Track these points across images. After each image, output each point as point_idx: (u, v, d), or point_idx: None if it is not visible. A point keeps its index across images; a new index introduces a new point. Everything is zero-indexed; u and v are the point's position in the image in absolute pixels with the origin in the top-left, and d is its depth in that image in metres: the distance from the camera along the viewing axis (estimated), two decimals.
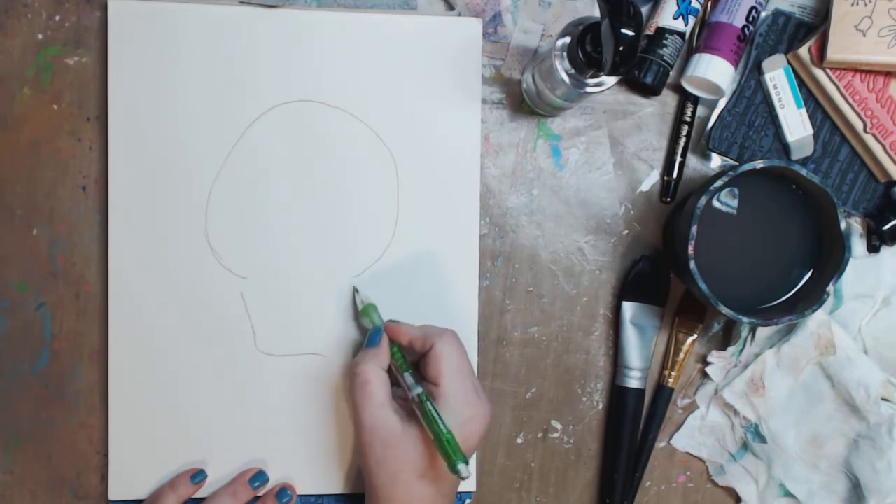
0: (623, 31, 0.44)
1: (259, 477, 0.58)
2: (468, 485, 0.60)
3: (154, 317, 0.58)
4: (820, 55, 0.58)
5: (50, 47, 0.58)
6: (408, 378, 0.53)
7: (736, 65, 0.59)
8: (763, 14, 0.60)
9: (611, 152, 0.62)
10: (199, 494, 0.58)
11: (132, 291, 0.58)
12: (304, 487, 0.59)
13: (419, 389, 0.52)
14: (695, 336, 0.62)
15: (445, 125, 0.60)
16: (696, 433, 0.62)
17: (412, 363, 0.55)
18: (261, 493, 0.58)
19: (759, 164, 0.54)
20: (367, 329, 0.57)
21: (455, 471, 0.48)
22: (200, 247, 0.58)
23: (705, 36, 0.60)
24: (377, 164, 0.59)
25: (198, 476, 0.57)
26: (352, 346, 0.59)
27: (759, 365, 0.60)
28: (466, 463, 0.49)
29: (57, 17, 0.58)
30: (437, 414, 0.50)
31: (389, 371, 0.55)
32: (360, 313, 0.58)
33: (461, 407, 0.52)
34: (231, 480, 0.58)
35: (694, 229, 0.53)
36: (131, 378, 0.58)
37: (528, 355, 0.62)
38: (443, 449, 0.49)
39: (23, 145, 0.58)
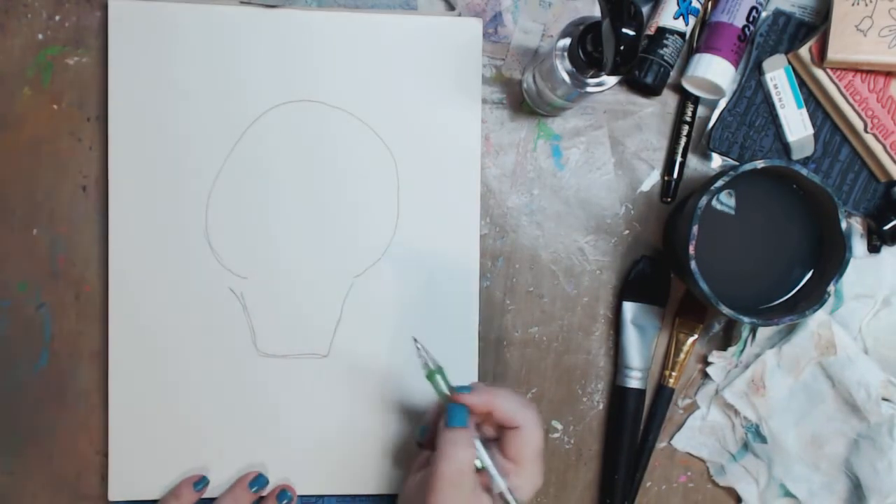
0: (624, 30, 0.44)
1: (258, 480, 0.58)
2: None
3: (154, 317, 0.58)
4: (820, 55, 0.58)
5: (50, 47, 0.58)
6: (492, 469, 0.49)
7: (736, 65, 0.59)
8: (763, 14, 0.60)
9: (611, 152, 0.62)
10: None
11: (132, 291, 0.58)
12: (304, 487, 0.59)
13: (504, 485, 0.49)
14: (695, 336, 0.62)
15: (446, 125, 0.59)
16: (696, 433, 0.62)
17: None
18: (263, 495, 0.58)
19: (759, 163, 0.54)
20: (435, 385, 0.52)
21: None
22: (200, 247, 0.58)
23: (706, 36, 0.60)
24: (377, 164, 0.59)
25: (200, 483, 0.57)
26: (352, 347, 0.59)
27: (759, 365, 0.60)
28: None
29: (57, 17, 0.58)
30: None
31: None
32: (427, 377, 0.51)
33: (530, 487, 0.49)
34: (231, 486, 0.58)
35: (695, 229, 0.53)
36: (131, 378, 0.58)
37: (528, 355, 0.62)
38: None
39: (23, 145, 0.58)
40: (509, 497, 0.48)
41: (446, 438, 0.48)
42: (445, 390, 0.50)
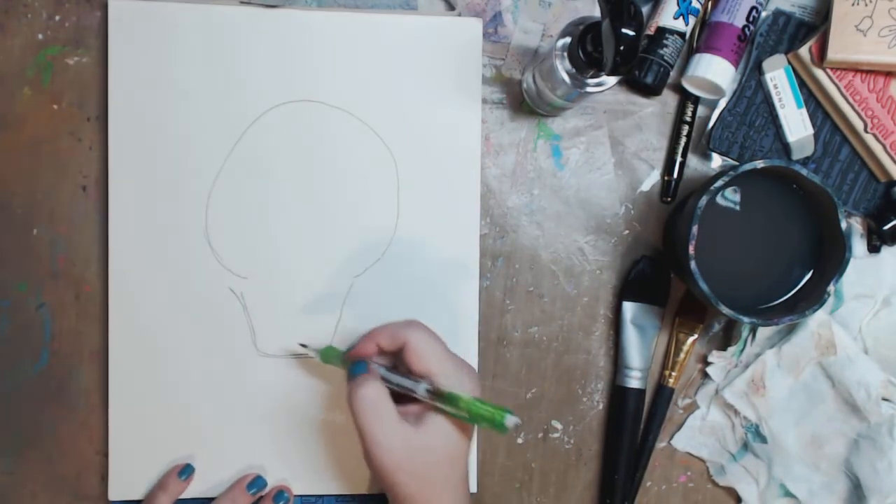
0: (624, 30, 0.44)
1: (257, 482, 0.58)
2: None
3: (154, 317, 0.58)
4: (820, 55, 0.58)
5: (50, 47, 0.58)
6: (406, 382, 0.51)
7: (736, 65, 0.59)
8: (763, 14, 0.60)
9: (611, 152, 0.62)
10: (195, 493, 0.58)
11: (132, 291, 0.58)
12: (304, 487, 0.59)
13: (423, 385, 0.50)
14: (695, 336, 0.62)
15: (446, 125, 0.59)
16: (696, 433, 0.62)
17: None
18: (261, 496, 0.58)
19: (759, 163, 0.54)
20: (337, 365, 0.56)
21: (504, 426, 0.47)
22: (200, 247, 0.58)
23: (706, 36, 0.60)
24: (377, 164, 0.59)
25: (185, 472, 0.57)
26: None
27: (759, 365, 0.60)
28: (512, 412, 0.48)
29: (57, 17, 0.58)
30: (456, 393, 0.49)
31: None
32: (323, 360, 0.56)
33: (460, 384, 0.50)
34: (229, 487, 0.58)
35: (694, 229, 0.53)
36: (131, 378, 0.58)
37: (528, 355, 0.62)
38: (481, 416, 0.48)
39: (23, 145, 0.58)
40: (421, 395, 0.50)
41: (351, 387, 0.50)
42: (342, 357, 0.54)
